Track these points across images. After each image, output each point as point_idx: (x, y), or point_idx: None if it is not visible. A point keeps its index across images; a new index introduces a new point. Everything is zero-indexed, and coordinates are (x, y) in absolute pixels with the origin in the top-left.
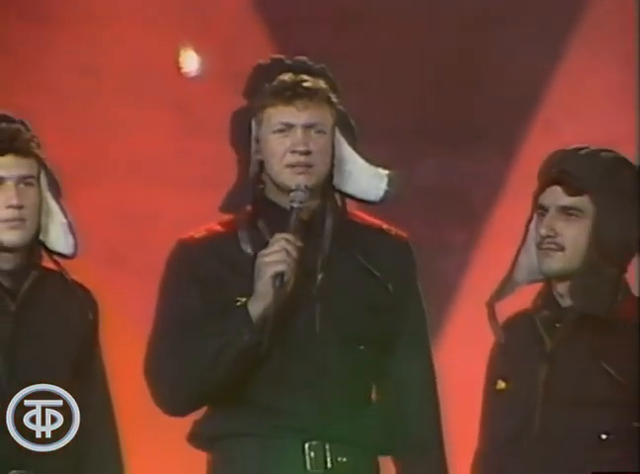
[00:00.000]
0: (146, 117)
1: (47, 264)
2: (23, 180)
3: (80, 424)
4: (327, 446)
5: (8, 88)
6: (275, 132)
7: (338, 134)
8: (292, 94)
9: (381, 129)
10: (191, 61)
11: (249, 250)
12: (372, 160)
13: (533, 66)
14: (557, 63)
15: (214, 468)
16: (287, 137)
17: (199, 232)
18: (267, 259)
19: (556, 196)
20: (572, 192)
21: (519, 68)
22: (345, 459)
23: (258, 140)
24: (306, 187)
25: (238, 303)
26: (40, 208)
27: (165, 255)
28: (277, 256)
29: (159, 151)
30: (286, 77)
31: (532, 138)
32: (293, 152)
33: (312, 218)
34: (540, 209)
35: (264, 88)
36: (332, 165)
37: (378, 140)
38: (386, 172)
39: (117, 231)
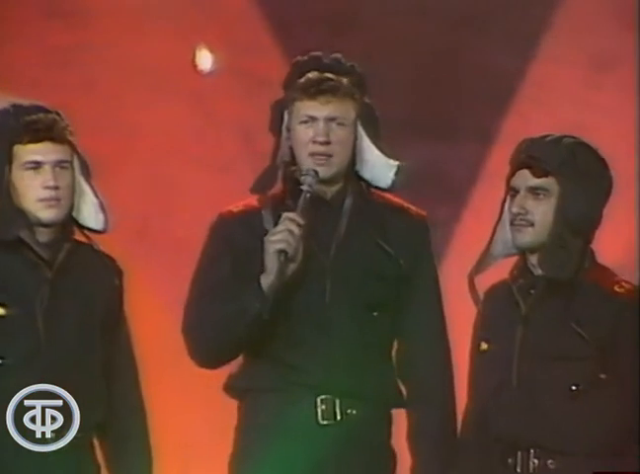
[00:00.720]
0: (168, 107)
1: (79, 237)
2: (58, 164)
3: (106, 378)
4: (337, 400)
5: (45, 83)
6: (301, 123)
7: (359, 127)
8: (316, 90)
9: None
10: (205, 60)
11: (271, 228)
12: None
13: (508, 64)
14: (529, 61)
15: (243, 416)
16: (311, 128)
17: (237, 207)
18: (272, 237)
19: (525, 178)
20: (539, 174)
21: (495, 65)
22: (354, 411)
23: (289, 129)
24: (316, 172)
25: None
26: (74, 189)
27: (187, 230)
28: (280, 235)
29: (179, 138)
30: (313, 75)
31: (507, 127)
32: (315, 142)
33: (335, 199)
34: (512, 191)
35: (295, 82)
36: (354, 153)
37: None
38: (397, 163)
39: (142, 208)
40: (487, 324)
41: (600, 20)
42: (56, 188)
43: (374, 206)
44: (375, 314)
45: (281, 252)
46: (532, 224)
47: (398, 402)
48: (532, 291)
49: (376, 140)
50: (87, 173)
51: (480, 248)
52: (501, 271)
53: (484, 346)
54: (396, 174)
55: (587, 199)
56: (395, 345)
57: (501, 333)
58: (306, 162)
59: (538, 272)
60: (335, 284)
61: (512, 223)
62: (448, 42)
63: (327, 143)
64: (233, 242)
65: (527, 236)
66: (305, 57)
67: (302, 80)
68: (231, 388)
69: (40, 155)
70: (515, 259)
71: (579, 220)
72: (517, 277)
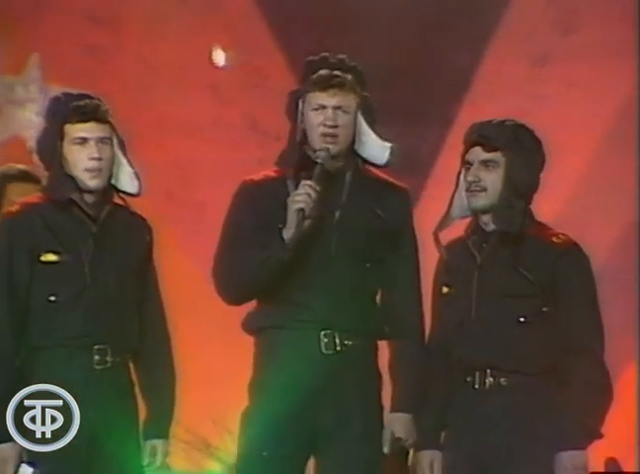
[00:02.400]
0: (189, 95)
1: (117, 200)
2: (101, 140)
3: (139, 315)
4: (336, 334)
5: (86, 76)
6: (313, 110)
7: (360, 115)
8: (327, 85)
9: None
10: (220, 58)
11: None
12: None
13: (464, 62)
14: (481, 60)
15: (260, 349)
16: (322, 115)
17: (258, 176)
18: (293, 198)
19: (477, 153)
20: (488, 149)
21: (453, 63)
22: (350, 342)
23: (302, 115)
24: (328, 149)
25: (280, 227)
26: (113, 161)
27: (205, 195)
28: (300, 197)
29: (199, 119)
30: (324, 72)
31: (462, 114)
32: (324, 125)
33: (338, 172)
34: (467, 164)
35: (309, 77)
36: (354, 136)
37: None
38: (390, 145)
39: (168, 177)
40: (447, 272)
41: (538, 25)
42: (99, 159)
43: (368, 179)
44: (368, 265)
45: (300, 210)
46: (485, 190)
47: (383, 335)
48: (485, 245)
49: (372, 126)
50: (123, 148)
51: (441, 210)
52: (456, 229)
53: (445, 289)
54: (391, 154)
55: (527, 169)
56: (380, 290)
57: (460, 278)
58: (317, 141)
59: (489, 228)
60: (339, 241)
61: (467, 190)
62: (417, 44)
63: (334, 127)
64: (255, 203)
65: (481, 199)
66: (317, 57)
67: (315, 76)
68: (248, 326)
69: (86, 132)
70: (468, 220)
71: (522, 186)
72: (470, 234)
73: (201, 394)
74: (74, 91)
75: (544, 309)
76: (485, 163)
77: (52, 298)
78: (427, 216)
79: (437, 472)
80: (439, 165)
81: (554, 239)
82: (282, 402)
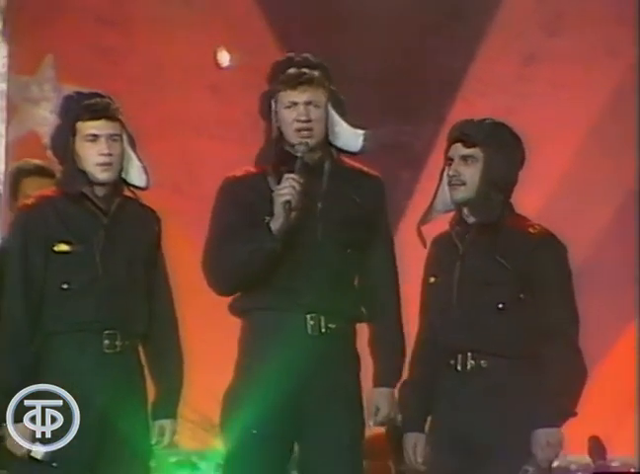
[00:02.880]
0: (195, 94)
1: (127, 193)
2: (111, 137)
3: (148, 301)
4: (322, 317)
5: (100, 76)
6: (285, 108)
7: (330, 107)
8: (296, 82)
9: (355, 105)
10: (224, 58)
11: (275, 187)
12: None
13: (456, 62)
14: (472, 60)
15: (245, 331)
16: (295, 111)
17: (239, 172)
18: (279, 192)
19: (458, 149)
20: (468, 145)
21: (446, 63)
22: (334, 326)
23: (276, 113)
24: (307, 143)
25: (266, 220)
26: (123, 156)
27: (210, 188)
28: (285, 190)
29: (204, 117)
30: (292, 71)
31: (455, 111)
32: (298, 121)
33: (316, 164)
34: (449, 160)
35: (278, 78)
36: (327, 128)
37: (353, 112)
38: (362, 132)
39: (176, 171)
40: (434, 263)
41: (526, 26)
42: (110, 155)
43: (344, 168)
44: (349, 251)
45: (287, 202)
46: (464, 183)
47: (361, 318)
48: (467, 236)
49: (343, 116)
50: (133, 144)
51: None
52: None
53: (432, 279)
54: (364, 140)
55: (505, 165)
56: (358, 274)
57: (444, 268)
58: (293, 137)
59: (470, 220)
60: (324, 229)
61: (449, 184)
62: (413, 44)
63: (308, 121)
64: (238, 198)
65: (460, 192)
66: (283, 58)
67: (284, 75)
68: (234, 308)
69: (97, 130)
70: (452, 214)
71: (500, 180)
72: (454, 226)
73: (208, 376)
74: (86, 90)
75: (521, 296)
76: (465, 158)
77: (65, 286)
78: (421, 209)
79: (419, 453)
80: (431, 160)
81: (531, 229)
82: (270, 382)
